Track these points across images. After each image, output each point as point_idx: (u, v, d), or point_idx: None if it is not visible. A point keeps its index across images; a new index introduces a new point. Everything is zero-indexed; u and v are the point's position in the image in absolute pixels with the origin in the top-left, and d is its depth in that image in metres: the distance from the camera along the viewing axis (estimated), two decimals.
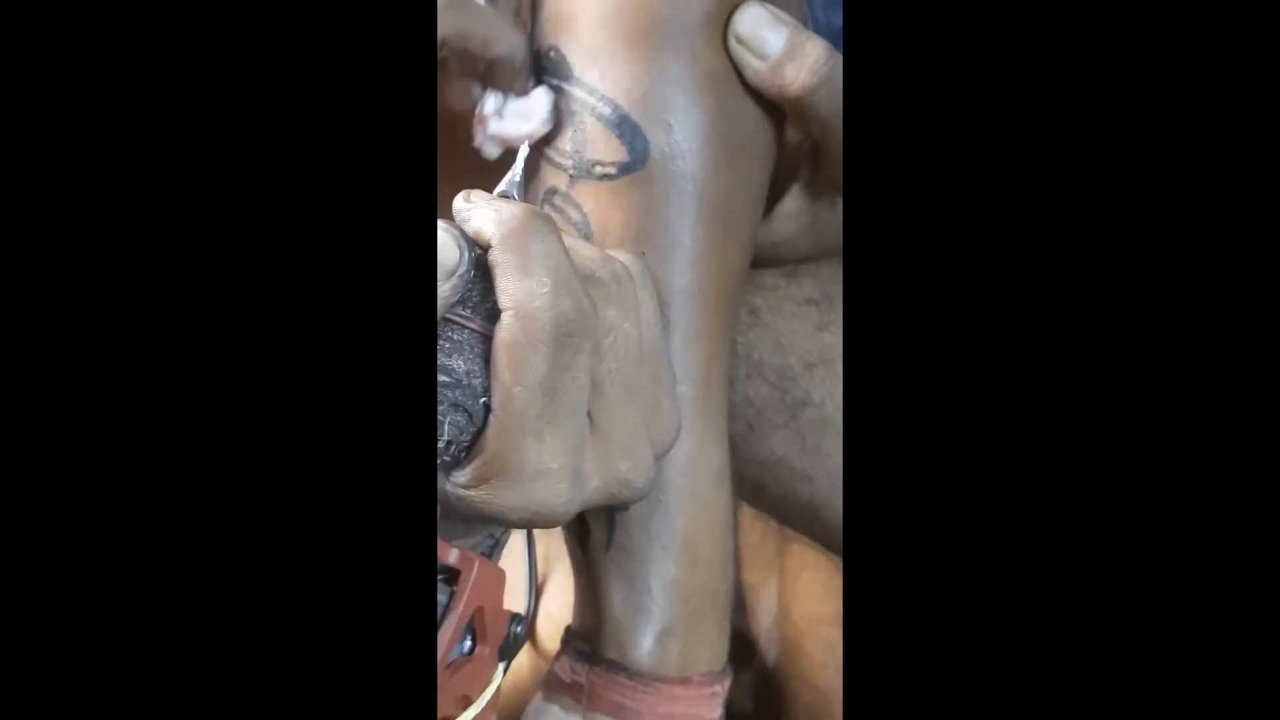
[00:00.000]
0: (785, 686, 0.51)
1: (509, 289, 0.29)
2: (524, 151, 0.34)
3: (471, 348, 0.29)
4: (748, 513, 0.56)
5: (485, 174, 0.34)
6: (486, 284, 0.30)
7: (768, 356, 0.39)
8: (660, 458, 0.33)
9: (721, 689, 0.37)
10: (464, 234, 0.30)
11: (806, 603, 0.50)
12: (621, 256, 0.33)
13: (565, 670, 0.38)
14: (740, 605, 0.54)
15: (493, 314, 0.29)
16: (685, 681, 0.36)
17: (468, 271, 0.30)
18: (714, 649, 0.37)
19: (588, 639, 0.37)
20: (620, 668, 0.36)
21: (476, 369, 0.29)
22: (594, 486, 0.31)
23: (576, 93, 0.34)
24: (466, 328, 0.30)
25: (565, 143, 0.35)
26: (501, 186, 0.34)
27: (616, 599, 0.36)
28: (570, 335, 0.28)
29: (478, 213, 0.30)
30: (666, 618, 0.35)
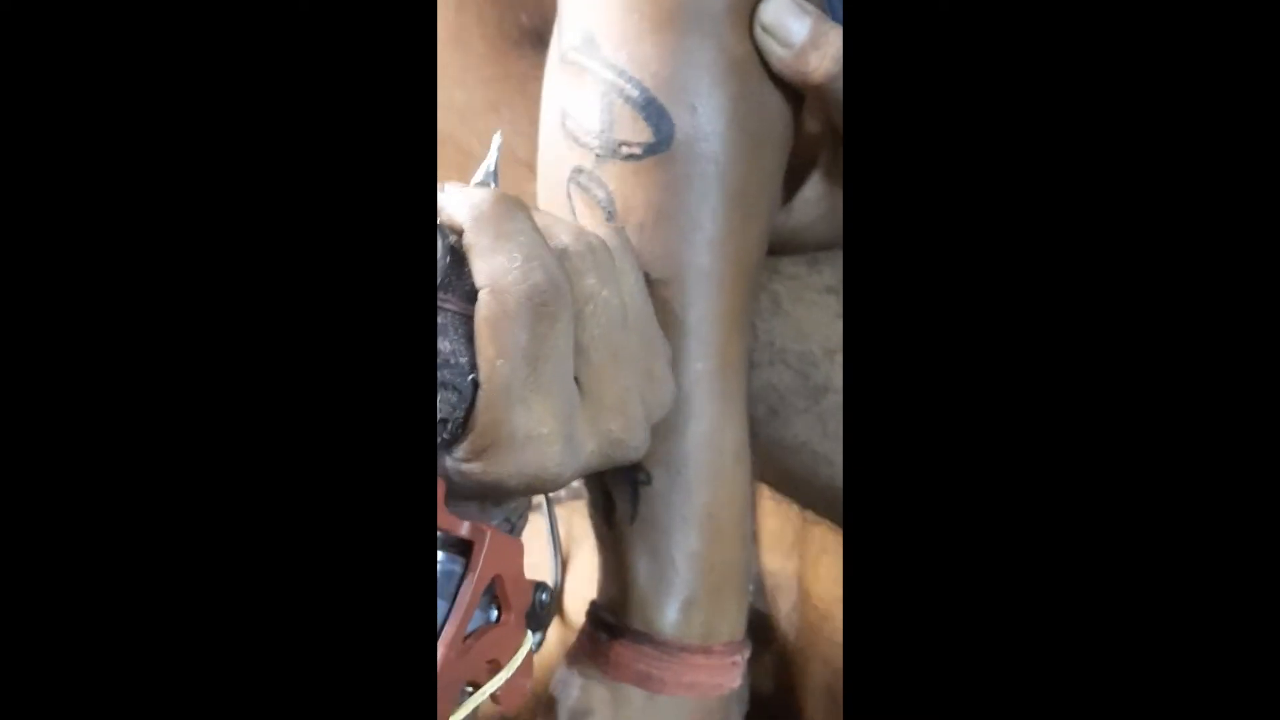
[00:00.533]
0: (806, 669, 0.52)
1: (483, 268, 0.30)
2: (497, 140, 0.35)
3: (455, 329, 0.31)
4: (768, 497, 0.57)
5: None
6: (463, 267, 0.31)
7: (790, 343, 0.40)
8: (655, 421, 0.34)
9: (741, 659, 0.39)
10: (439, 223, 0.31)
11: (826, 586, 0.51)
12: (600, 230, 0.34)
13: (590, 641, 0.39)
14: (760, 589, 0.55)
15: (471, 294, 0.30)
16: (708, 651, 0.37)
17: (444, 257, 0.31)
18: (734, 621, 0.38)
19: (613, 611, 0.38)
20: (645, 638, 0.37)
21: (461, 348, 0.30)
22: (589, 449, 0.32)
23: (606, 74, 0.35)
24: (447, 310, 0.31)
25: (593, 123, 0.35)
26: (478, 176, 0.35)
27: (641, 571, 0.37)
28: (545, 305, 0.29)
29: (451, 201, 0.31)
30: (689, 589, 0.36)
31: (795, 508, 0.52)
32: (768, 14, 0.35)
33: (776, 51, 0.35)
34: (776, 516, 0.56)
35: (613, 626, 0.38)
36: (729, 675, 0.38)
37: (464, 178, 0.42)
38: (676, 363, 0.36)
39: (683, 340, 0.36)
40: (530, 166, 0.39)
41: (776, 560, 0.54)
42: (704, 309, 0.36)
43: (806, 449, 0.41)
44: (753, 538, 0.40)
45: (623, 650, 0.37)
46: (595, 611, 0.39)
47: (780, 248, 0.40)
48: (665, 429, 0.36)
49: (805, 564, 0.52)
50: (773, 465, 0.42)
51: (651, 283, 0.35)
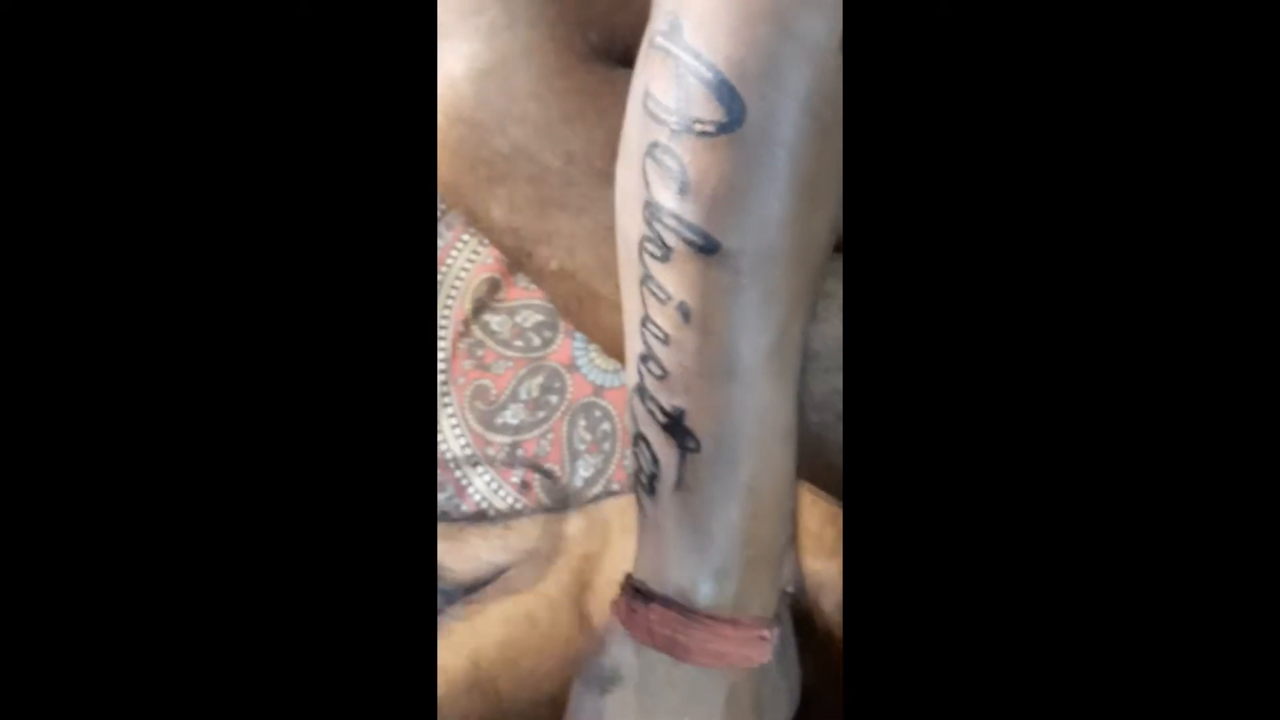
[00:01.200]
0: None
1: None
2: None
3: None
4: (808, 497, 0.58)
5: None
6: None
7: None
8: None
9: (770, 635, 0.39)
10: None
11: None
12: None
13: (623, 608, 0.40)
14: (802, 588, 0.57)
15: None
16: (736, 623, 0.38)
17: None
18: (765, 597, 0.39)
19: (647, 578, 0.39)
20: (674, 604, 0.38)
21: None
22: None
23: (684, 56, 0.36)
24: None
25: (670, 101, 0.37)
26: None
27: (678, 539, 0.38)
28: None
29: None
30: (724, 560, 0.37)
31: (836, 508, 0.53)
32: None
33: None
34: (815, 518, 0.58)
35: (646, 593, 0.39)
36: (757, 649, 0.39)
37: (538, 191, 0.43)
38: (738, 335, 0.37)
39: (744, 312, 0.37)
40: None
41: (819, 561, 0.55)
42: (767, 285, 0.37)
43: None
44: (792, 521, 0.41)
45: (653, 616, 0.38)
46: (630, 579, 0.40)
47: None
48: (719, 400, 0.37)
49: None
50: (836, 471, 0.43)
51: (723, 252, 0.36)
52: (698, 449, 0.37)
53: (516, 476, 0.69)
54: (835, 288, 0.41)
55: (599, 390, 0.71)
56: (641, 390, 0.38)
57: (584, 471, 0.69)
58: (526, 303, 0.71)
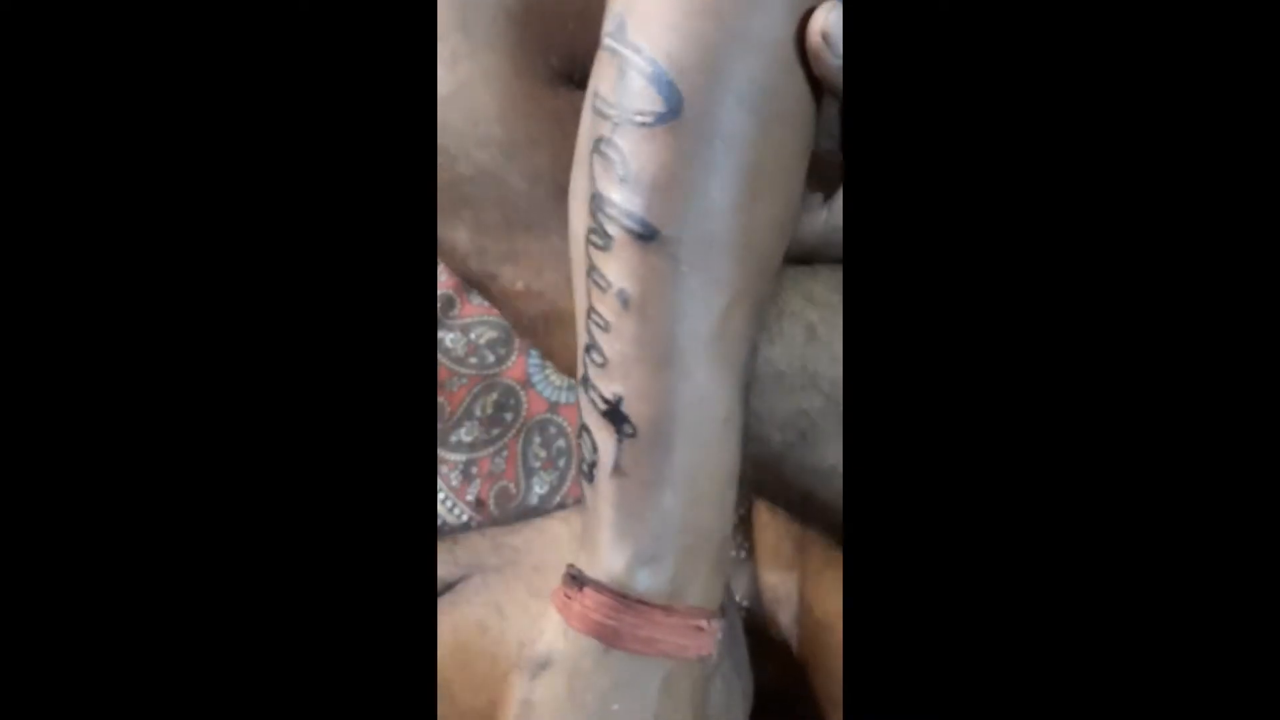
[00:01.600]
0: (809, 680, 0.54)
1: None
2: None
3: None
4: (764, 512, 0.59)
5: None
6: None
7: (824, 369, 0.42)
8: None
9: (709, 626, 0.39)
10: None
11: (831, 600, 0.52)
12: None
13: (559, 595, 0.40)
14: (758, 601, 0.57)
15: None
16: (669, 610, 0.38)
17: None
18: (705, 588, 0.39)
19: (583, 564, 0.39)
20: (607, 589, 0.38)
21: None
22: None
23: (627, 52, 0.37)
24: None
25: (614, 95, 0.38)
26: None
27: (612, 524, 0.38)
28: None
29: None
30: (658, 546, 0.37)
31: (797, 524, 0.54)
32: (828, 24, 0.37)
33: (830, 62, 0.37)
34: (772, 531, 0.58)
35: (580, 579, 0.39)
36: (695, 639, 0.39)
37: (504, 213, 0.43)
38: (675, 321, 0.37)
39: (682, 298, 0.37)
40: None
41: (775, 575, 0.56)
42: (707, 273, 0.37)
43: (835, 473, 0.42)
44: (735, 514, 0.41)
45: (586, 601, 0.38)
46: (569, 567, 0.40)
47: (824, 247, 0.42)
48: (656, 386, 0.37)
49: (807, 579, 0.53)
50: (797, 490, 0.43)
51: (661, 239, 0.37)
52: (634, 434, 0.37)
53: (472, 494, 0.69)
54: (800, 306, 0.42)
55: (554, 407, 0.71)
56: (585, 380, 0.39)
57: (539, 489, 0.69)
58: (481, 319, 0.71)
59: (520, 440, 0.70)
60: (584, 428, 0.39)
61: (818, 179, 0.42)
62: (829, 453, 0.42)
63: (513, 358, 0.71)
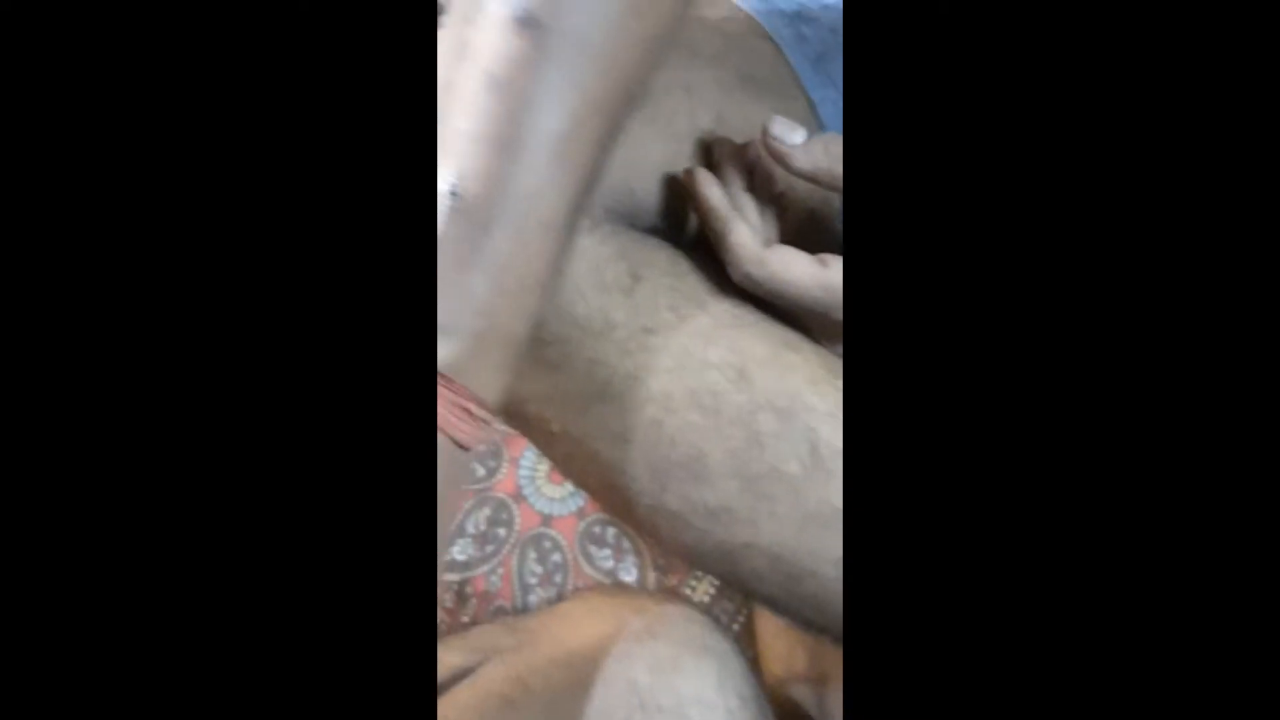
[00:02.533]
0: None
1: None
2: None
3: None
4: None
5: None
6: None
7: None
8: None
9: (479, 413, 0.38)
10: None
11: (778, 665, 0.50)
12: None
13: None
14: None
15: None
16: (447, 381, 0.37)
17: None
18: (489, 380, 0.39)
19: None
20: None
21: None
22: None
23: None
24: None
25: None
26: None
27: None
28: None
29: None
30: (454, 318, 0.38)
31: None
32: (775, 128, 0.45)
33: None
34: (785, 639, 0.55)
35: None
36: (462, 420, 0.38)
37: None
38: (527, 109, 0.38)
39: (539, 90, 0.38)
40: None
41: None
42: (569, 72, 0.39)
43: (750, 549, 0.40)
44: (545, 296, 0.41)
45: None
46: None
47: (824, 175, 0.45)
48: (492, 168, 0.38)
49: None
50: (723, 565, 0.41)
51: (537, 26, 0.38)
52: (462, 208, 0.38)
53: (467, 616, 0.67)
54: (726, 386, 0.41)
55: (547, 520, 0.68)
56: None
57: (535, 607, 0.66)
58: None
59: (515, 557, 0.68)
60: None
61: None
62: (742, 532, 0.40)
63: (503, 470, 0.69)
